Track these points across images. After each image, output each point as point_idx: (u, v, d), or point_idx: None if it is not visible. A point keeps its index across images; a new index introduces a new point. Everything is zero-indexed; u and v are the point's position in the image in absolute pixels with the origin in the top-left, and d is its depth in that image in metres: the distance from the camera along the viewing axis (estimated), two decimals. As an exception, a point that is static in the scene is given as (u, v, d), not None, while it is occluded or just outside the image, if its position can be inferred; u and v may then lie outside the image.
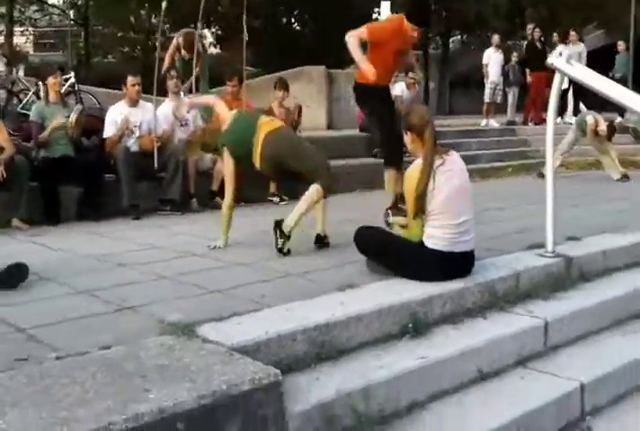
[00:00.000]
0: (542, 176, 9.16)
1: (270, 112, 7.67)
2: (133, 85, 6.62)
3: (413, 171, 3.51)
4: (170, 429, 2.10)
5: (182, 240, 5.01)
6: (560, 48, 14.32)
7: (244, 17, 7.71)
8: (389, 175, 5.48)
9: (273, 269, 3.91)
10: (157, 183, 6.59)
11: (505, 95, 13.74)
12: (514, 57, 13.67)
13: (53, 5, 32.29)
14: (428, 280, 3.45)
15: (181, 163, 6.48)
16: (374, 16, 31.56)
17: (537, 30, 13.75)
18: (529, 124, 13.28)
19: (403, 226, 3.75)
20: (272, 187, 7.16)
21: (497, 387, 3.00)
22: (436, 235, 3.48)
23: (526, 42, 13.77)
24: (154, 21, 35.70)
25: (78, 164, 6.15)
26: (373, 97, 5.37)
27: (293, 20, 33.97)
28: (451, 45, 33.43)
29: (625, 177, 8.74)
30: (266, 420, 2.33)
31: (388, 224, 4.32)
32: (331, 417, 2.50)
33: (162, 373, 2.34)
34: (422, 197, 3.42)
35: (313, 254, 4.37)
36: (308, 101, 10.93)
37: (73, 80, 11.02)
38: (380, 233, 3.76)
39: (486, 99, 13.49)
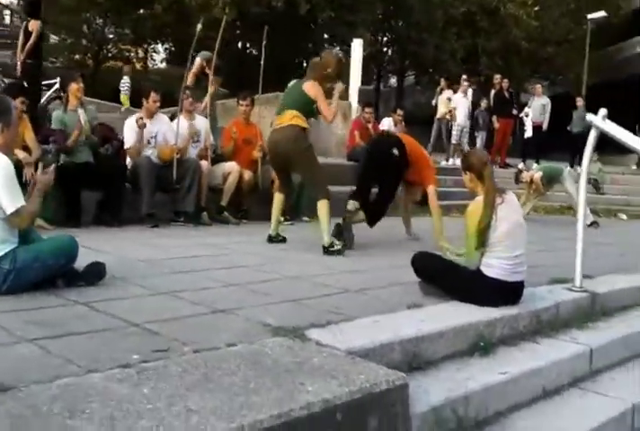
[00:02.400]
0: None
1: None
2: (155, 102, 6.88)
3: (476, 207, 3.84)
4: (331, 419, 2.31)
5: (216, 251, 5.19)
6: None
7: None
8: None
9: (329, 285, 4.14)
10: (171, 195, 6.74)
11: (470, 137, 14.39)
12: (483, 104, 14.36)
13: (6, 6, 31.91)
14: (484, 305, 3.75)
15: (197, 178, 6.65)
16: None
17: (505, 80, 14.51)
18: (495, 167, 13.89)
19: (459, 254, 4.07)
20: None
21: (562, 403, 3.31)
22: (495, 265, 3.80)
23: (493, 91, 14.47)
24: (107, 31, 35.69)
25: (99, 171, 6.26)
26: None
27: (249, 45, 34.35)
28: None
29: (594, 224, 9.33)
30: (397, 418, 2.56)
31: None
32: (440, 420, 2.76)
33: (301, 369, 2.55)
34: (485, 231, 3.74)
35: (355, 273, 4.63)
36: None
37: (58, 86, 11.08)
38: (439, 260, 4.07)
39: (453, 140, 14.11)
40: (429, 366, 3.14)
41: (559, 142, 15.69)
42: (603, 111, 4.55)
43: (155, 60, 45.23)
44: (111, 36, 34.52)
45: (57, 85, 10.98)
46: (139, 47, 39.36)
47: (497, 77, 14.72)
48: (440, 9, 26.10)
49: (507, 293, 3.83)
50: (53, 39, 33.07)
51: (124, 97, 14.69)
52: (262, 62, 7.44)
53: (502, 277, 3.80)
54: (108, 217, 6.19)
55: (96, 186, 6.21)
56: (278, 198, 5.81)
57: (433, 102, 14.78)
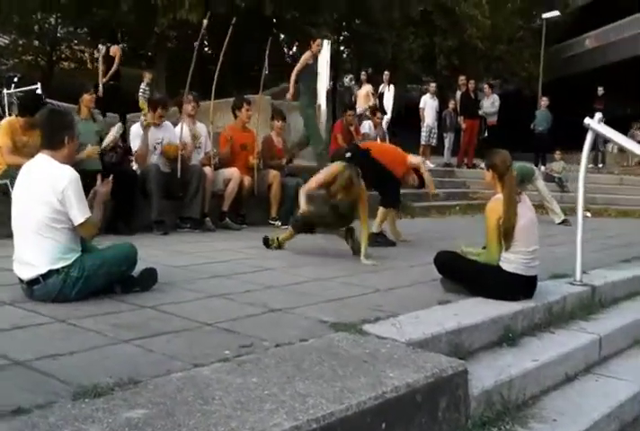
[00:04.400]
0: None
1: (269, 141, 8.25)
2: (161, 117, 7.12)
3: (495, 204, 4.22)
4: (413, 400, 2.67)
5: (237, 256, 5.49)
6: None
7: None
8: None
9: (358, 284, 4.50)
10: (175, 202, 6.99)
11: (440, 138, 14.89)
12: (451, 104, 14.86)
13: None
14: (504, 299, 4.14)
15: (202, 184, 6.93)
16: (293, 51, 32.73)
17: (471, 81, 15.03)
18: (463, 167, 14.41)
19: (477, 254, 4.46)
20: (273, 212, 7.70)
21: (583, 386, 3.73)
22: (513, 260, 4.20)
23: (459, 92, 14.97)
24: (60, 31, 35.27)
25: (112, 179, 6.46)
26: None
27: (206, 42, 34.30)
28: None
29: (566, 221, 9.88)
30: (459, 400, 2.93)
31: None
32: (491, 402, 3.14)
33: (376, 358, 2.89)
34: (511, 231, 4.13)
35: (376, 274, 4.99)
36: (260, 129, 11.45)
37: (39, 91, 11.14)
38: (460, 258, 4.45)
39: (422, 141, 14.58)
40: (469, 356, 3.52)
41: (516, 140, 16.32)
42: (598, 115, 4.96)
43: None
44: (59, 35, 34.08)
45: (38, 91, 11.02)
46: (94, 48, 38.99)
47: (462, 78, 15.20)
48: (397, 8, 26.58)
49: (524, 287, 4.24)
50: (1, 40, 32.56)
51: (142, 103, 14.66)
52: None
53: (521, 272, 4.21)
54: (121, 225, 6.40)
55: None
56: None
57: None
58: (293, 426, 2.17)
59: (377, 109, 12.05)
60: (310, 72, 10.44)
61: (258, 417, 2.21)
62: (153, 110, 7.07)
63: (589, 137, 5.00)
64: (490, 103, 15.11)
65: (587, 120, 4.98)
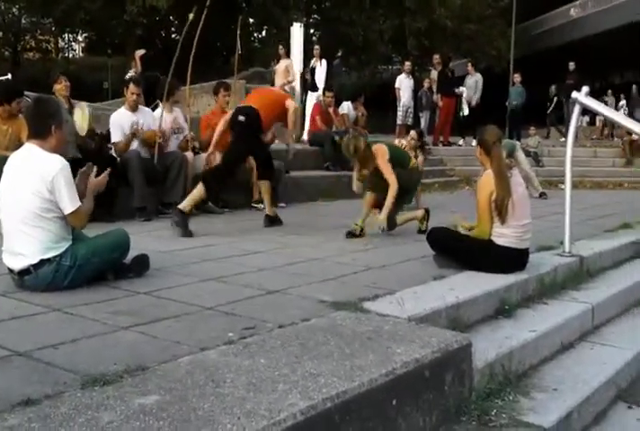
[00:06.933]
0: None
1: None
2: (132, 94, 6.96)
3: (486, 179, 4.23)
4: (421, 375, 2.66)
5: (224, 239, 5.44)
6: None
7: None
8: None
9: (350, 264, 4.49)
10: (156, 188, 6.91)
11: (416, 117, 14.87)
12: (426, 83, 14.84)
13: None
14: (497, 273, 4.16)
15: (183, 169, 6.85)
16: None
17: (454, 61, 15.03)
18: (439, 145, 14.42)
19: (470, 229, 4.46)
20: (256, 194, 7.64)
21: (579, 355, 3.77)
22: (506, 234, 4.21)
23: (437, 71, 14.90)
24: (24, 21, 34.74)
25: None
26: None
27: (173, 29, 33.96)
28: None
29: (543, 194, 9.97)
30: (464, 373, 2.94)
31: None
32: (493, 374, 3.15)
33: (380, 336, 2.89)
34: (504, 205, 4.13)
35: (366, 252, 4.98)
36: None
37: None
38: (452, 234, 4.45)
39: (399, 121, 14.57)
40: (468, 329, 3.53)
41: (490, 116, 16.38)
42: (585, 89, 4.95)
43: (75, 50, 44.31)
44: (23, 25, 33.61)
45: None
46: (59, 37, 38.43)
47: (436, 57, 15.13)
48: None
49: (517, 260, 4.27)
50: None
51: None
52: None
53: (513, 245, 4.23)
54: (102, 213, 6.29)
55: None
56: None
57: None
58: (309, 405, 2.16)
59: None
60: None
61: (272, 397, 2.20)
62: (126, 89, 6.97)
63: (576, 111, 5.02)
64: (473, 81, 15.07)
65: (574, 94, 4.98)
